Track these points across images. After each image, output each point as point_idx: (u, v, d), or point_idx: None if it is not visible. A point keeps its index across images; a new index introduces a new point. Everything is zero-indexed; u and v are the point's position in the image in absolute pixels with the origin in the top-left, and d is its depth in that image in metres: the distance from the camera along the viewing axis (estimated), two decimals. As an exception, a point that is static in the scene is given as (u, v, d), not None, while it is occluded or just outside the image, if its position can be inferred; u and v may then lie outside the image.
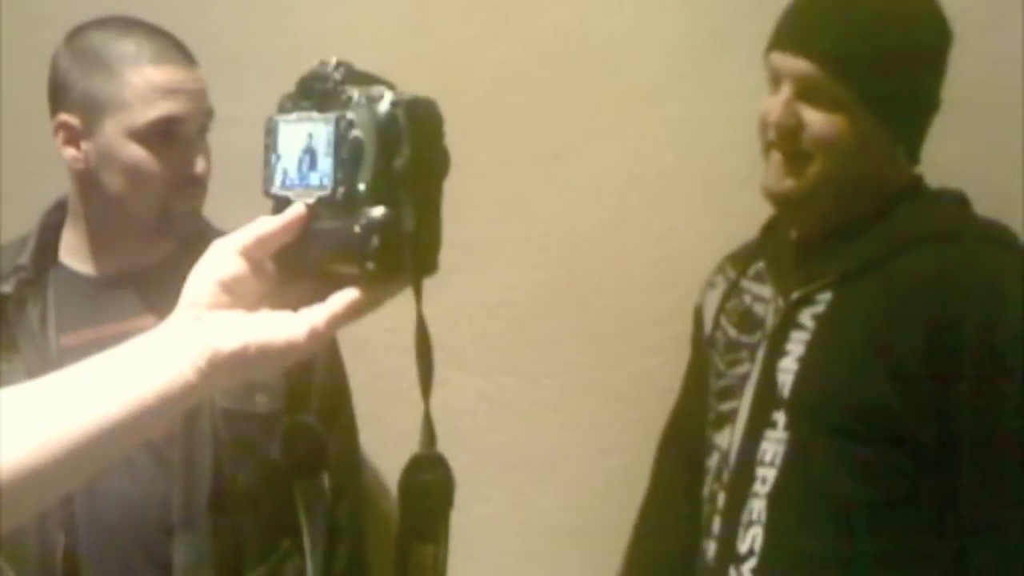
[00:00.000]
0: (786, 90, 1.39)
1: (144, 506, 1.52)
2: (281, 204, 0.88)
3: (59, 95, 1.51)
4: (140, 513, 1.52)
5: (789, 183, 1.41)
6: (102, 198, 1.53)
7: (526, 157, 1.88)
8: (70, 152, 1.51)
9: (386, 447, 1.95)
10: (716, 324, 1.57)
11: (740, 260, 1.59)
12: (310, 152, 0.86)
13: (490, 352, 1.90)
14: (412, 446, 2.06)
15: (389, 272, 0.84)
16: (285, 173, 0.88)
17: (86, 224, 1.57)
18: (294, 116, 0.88)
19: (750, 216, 1.59)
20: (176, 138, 1.49)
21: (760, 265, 1.54)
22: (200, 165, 1.52)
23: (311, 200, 0.86)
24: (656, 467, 1.70)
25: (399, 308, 2.07)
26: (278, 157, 0.89)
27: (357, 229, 0.83)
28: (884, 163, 1.44)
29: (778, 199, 1.45)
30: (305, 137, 0.86)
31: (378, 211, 0.82)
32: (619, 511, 1.84)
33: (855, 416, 1.36)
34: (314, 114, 0.86)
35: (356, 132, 0.83)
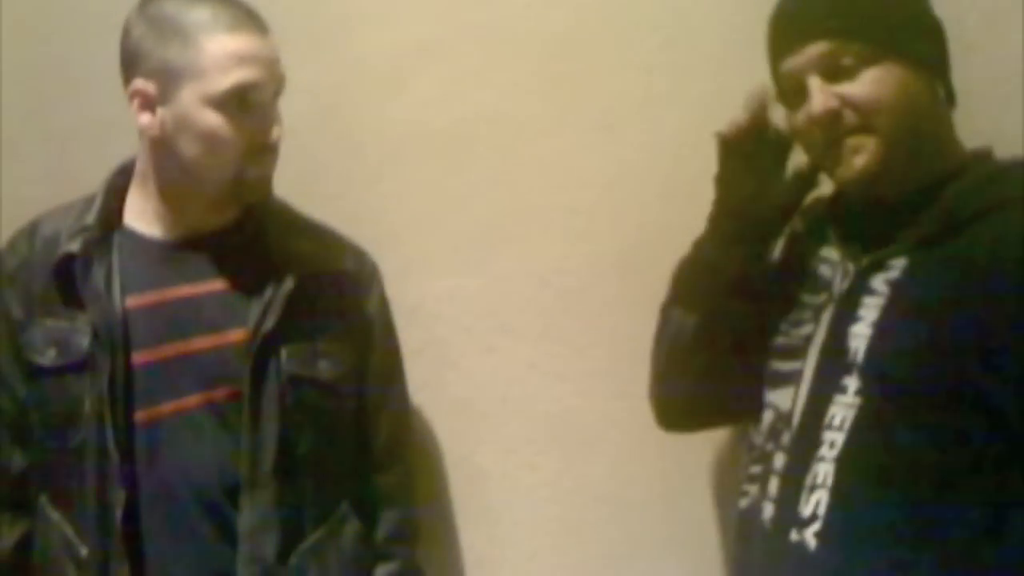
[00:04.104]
0: (815, 81, 1.41)
1: (207, 467, 1.55)
2: None
3: (133, 62, 1.52)
4: (202, 474, 1.55)
5: (861, 160, 1.40)
6: (176, 164, 1.54)
7: (578, 126, 1.88)
8: (145, 118, 1.53)
9: (435, 414, 1.97)
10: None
11: (804, 221, 1.59)
12: None
13: (540, 321, 1.91)
14: (461, 413, 2.09)
15: None
16: None
17: (156, 188, 1.59)
18: None
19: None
20: (252, 105, 1.51)
21: (826, 228, 1.53)
22: (275, 132, 1.53)
23: None
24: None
25: (448, 278, 2.08)
26: None
27: None
28: (933, 105, 1.43)
29: (860, 181, 1.42)
30: None
31: None
32: (667, 481, 1.85)
33: (934, 381, 1.34)
34: None
35: None
